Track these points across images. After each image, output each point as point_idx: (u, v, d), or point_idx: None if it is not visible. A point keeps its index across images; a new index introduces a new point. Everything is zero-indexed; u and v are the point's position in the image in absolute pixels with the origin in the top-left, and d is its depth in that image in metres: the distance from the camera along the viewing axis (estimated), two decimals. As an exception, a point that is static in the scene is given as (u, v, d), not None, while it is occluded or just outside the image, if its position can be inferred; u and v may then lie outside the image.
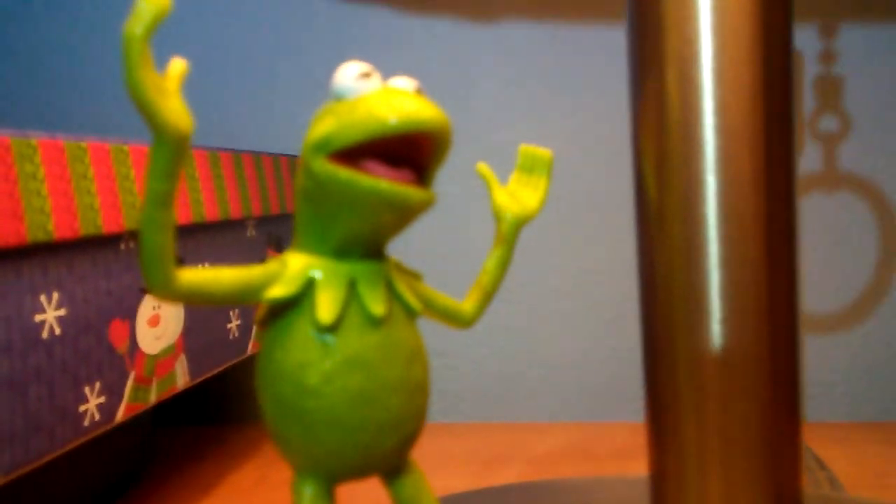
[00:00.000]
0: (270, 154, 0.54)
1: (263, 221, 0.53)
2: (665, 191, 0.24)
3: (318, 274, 0.20)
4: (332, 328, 0.19)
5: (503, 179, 0.25)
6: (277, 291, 0.19)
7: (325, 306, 0.19)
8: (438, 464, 0.53)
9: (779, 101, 0.23)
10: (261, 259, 0.53)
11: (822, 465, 0.50)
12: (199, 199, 0.44)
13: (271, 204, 0.54)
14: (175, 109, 0.17)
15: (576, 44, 0.62)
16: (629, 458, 0.54)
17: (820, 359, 0.60)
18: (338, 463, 0.19)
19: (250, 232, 0.52)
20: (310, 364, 0.19)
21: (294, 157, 0.58)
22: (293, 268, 0.20)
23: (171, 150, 0.17)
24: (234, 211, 0.48)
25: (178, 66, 0.17)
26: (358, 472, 0.20)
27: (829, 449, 0.54)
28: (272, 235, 0.55)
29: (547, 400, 0.64)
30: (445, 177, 0.59)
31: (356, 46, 0.64)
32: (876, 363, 0.59)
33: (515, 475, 0.51)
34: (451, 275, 0.63)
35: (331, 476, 0.20)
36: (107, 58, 0.68)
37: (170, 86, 0.17)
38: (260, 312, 0.20)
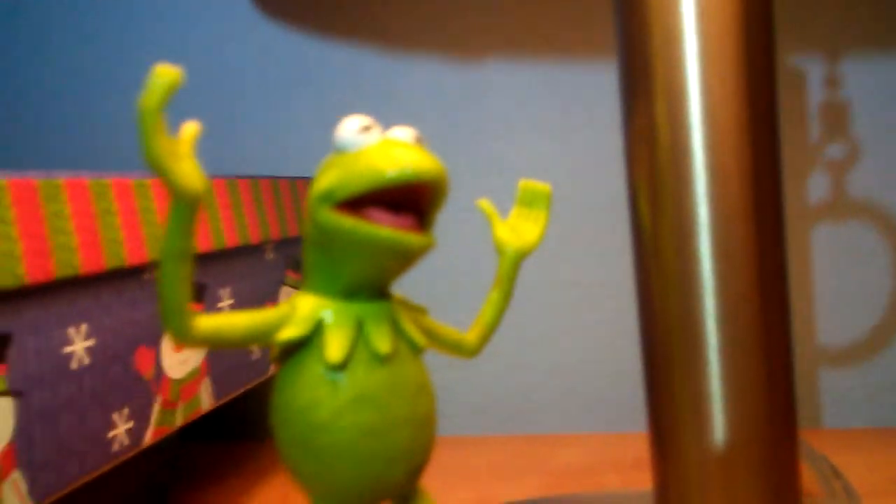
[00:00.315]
0: (287, 178, 0.56)
1: (282, 244, 0.55)
2: (658, 224, 0.25)
3: (327, 315, 0.21)
4: (342, 367, 0.20)
5: (510, 196, 0.27)
6: (289, 333, 0.21)
7: (335, 346, 0.20)
8: (457, 478, 0.54)
9: (766, 138, 0.24)
10: (280, 280, 0.55)
11: (837, 474, 0.50)
12: (218, 228, 0.46)
13: (289, 226, 0.55)
14: (188, 172, 0.18)
15: (566, 83, 0.63)
16: (650, 469, 0.54)
17: (837, 367, 0.60)
18: (350, 494, 0.21)
19: (269, 255, 0.53)
20: (321, 402, 0.20)
21: (309, 179, 0.59)
22: (303, 309, 0.21)
23: (186, 210, 0.18)
24: (253, 236, 0.50)
25: (190, 129, 0.19)
26: (369, 501, 0.21)
27: (844, 455, 0.54)
28: (290, 257, 0.56)
29: (566, 411, 0.65)
30: (459, 191, 0.60)
31: (367, 64, 0.66)
32: (892, 370, 0.60)
33: (535, 487, 0.52)
34: (462, 287, 0.64)
35: (344, 505, 0.21)
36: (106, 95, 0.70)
37: (182, 149, 0.18)
38: (273, 352, 0.22)
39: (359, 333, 0.21)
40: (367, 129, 0.20)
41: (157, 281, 0.18)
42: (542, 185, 0.27)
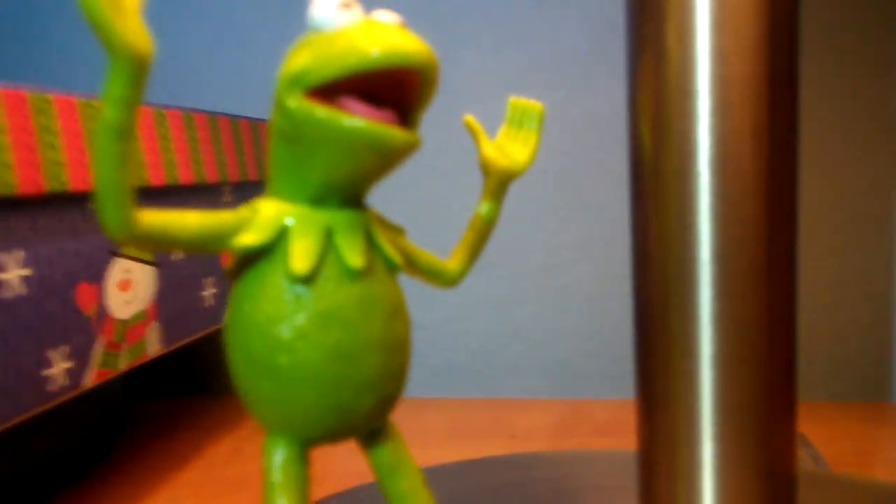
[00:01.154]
0: (248, 118, 0.53)
1: (240, 187, 0.52)
2: (661, 145, 0.22)
3: (292, 221, 0.18)
4: (307, 280, 0.18)
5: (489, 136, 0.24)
6: (248, 239, 0.18)
7: (300, 256, 0.18)
8: (417, 439, 0.52)
9: (783, 52, 0.21)
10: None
11: (806, 443, 0.49)
12: (172, 161, 0.43)
13: (248, 169, 0.52)
14: (133, 29, 0.15)
15: (562, 12, 0.60)
16: (609, 435, 0.53)
17: (801, 338, 0.59)
18: (312, 423, 0.18)
19: (226, 198, 0.50)
20: (282, 318, 0.18)
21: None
22: (265, 214, 0.18)
23: (128, 74, 0.15)
24: (210, 174, 0.47)
25: (138, -17, 0.16)
26: (333, 433, 0.19)
27: (809, 428, 0.53)
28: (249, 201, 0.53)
29: (527, 376, 0.63)
30: (427, 146, 0.57)
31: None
32: (854, 343, 0.59)
33: (496, 450, 0.50)
34: (436, 241, 0.62)
35: (304, 438, 0.18)
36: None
37: (127, 3, 0.15)
38: (229, 262, 0.19)
39: (328, 244, 0.18)
40: (346, 5, 0.18)
41: (93, 160, 0.15)
42: (533, 103, 0.24)
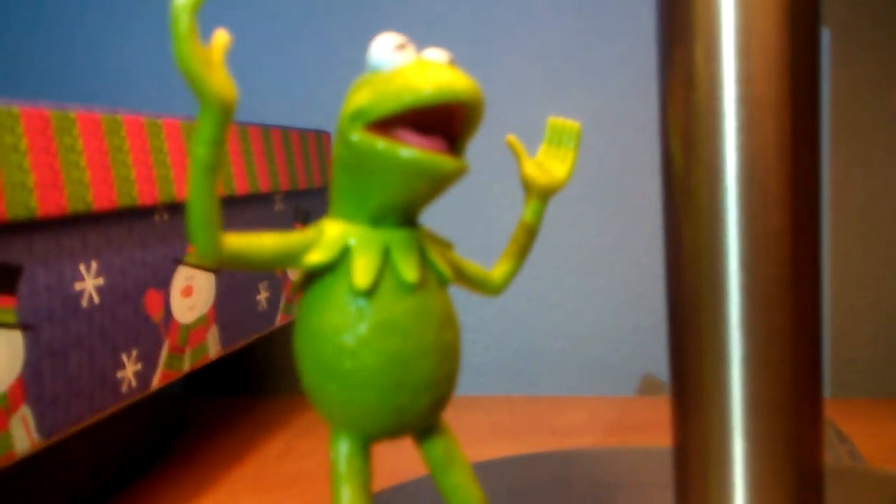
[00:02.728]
0: (298, 129, 0.55)
1: (291, 195, 0.54)
2: (691, 161, 0.24)
3: (353, 241, 0.20)
4: (368, 293, 0.20)
5: (529, 154, 0.26)
6: (315, 257, 0.20)
7: (361, 272, 0.20)
8: (462, 436, 0.54)
9: (805, 73, 0.23)
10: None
11: (843, 438, 0.50)
12: (228, 173, 0.45)
13: (299, 178, 0.54)
14: (220, 80, 0.17)
15: (599, 20, 0.62)
16: (650, 432, 0.54)
17: (843, 336, 0.60)
18: (373, 422, 0.20)
19: (278, 206, 0.53)
20: (346, 327, 0.20)
21: (320, 132, 0.59)
22: (330, 235, 0.20)
23: (216, 119, 0.17)
24: (263, 184, 0.49)
25: (221, 38, 0.18)
26: (392, 431, 0.21)
27: (849, 424, 0.54)
28: (300, 209, 0.55)
29: (569, 374, 0.65)
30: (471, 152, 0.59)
31: (378, 23, 0.65)
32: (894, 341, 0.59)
33: (536, 447, 0.52)
34: (479, 245, 0.64)
35: (366, 434, 0.21)
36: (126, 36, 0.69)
37: (215, 57, 0.17)
38: (298, 277, 0.21)
39: (386, 260, 0.20)
40: (401, 47, 0.20)
41: (186, 194, 0.18)
42: (571, 123, 0.26)
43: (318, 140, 0.58)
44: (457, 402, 0.62)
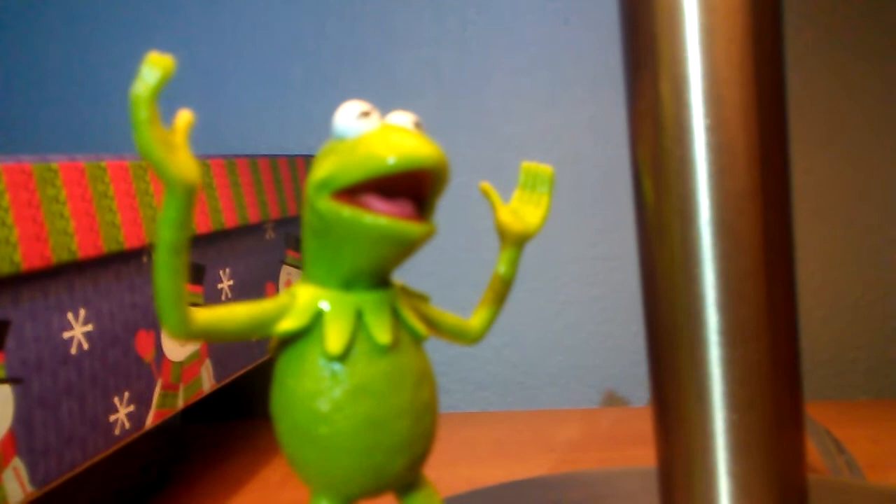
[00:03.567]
0: (286, 156, 0.55)
1: (281, 223, 0.54)
2: (662, 205, 0.24)
3: (326, 305, 0.20)
4: (341, 357, 0.20)
5: (513, 175, 0.26)
6: (288, 324, 0.20)
7: (334, 337, 0.20)
8: (461, 453, 0.54)
9: (772, 117, 0.23)
10: (281, 259, 0.55)
11: (840, 449, 0.50)
12: (217, 208, 0.45)
13: (288, 205, 0.55)
14: (183, 162, 0.17)
15: (589, 31, 0.62)
16: (650, 444, 0.54)
17: (839, 338, 0.60)
18: (350, 484, 0.20)
19: (269, 234, 0.53)
20: (320, 392, 0.20)
21: (309, 157, 0.59)
22: (302, 300, 0.21)
23: (181, 200, 0.17)
24: (252, 215, 0.49)
25: (184, 119, 0.18)
26: (370, 491, 0.21)
27: (849, 428, 0.54)
28: (290, 236, 0.56)
29: (568, 387, 0.65)
30: (460, 169, 0.59)
31: (367, 44, 0.65)
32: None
33: (536, 463, 0.52)
34: (465, 267, 0.64)
35: (344, 496, 0.21)
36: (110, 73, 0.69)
37: (177, 139, 0.18)
38: (272, 343, 0.21)
39: (358, 324, 0.20)
40: (365, 114, 0.20)
41: (154, 273, 0.18)
42: (544, 167, 0.26)
43: (306, 165, 0.58)
44: (456, 418, 0.63)
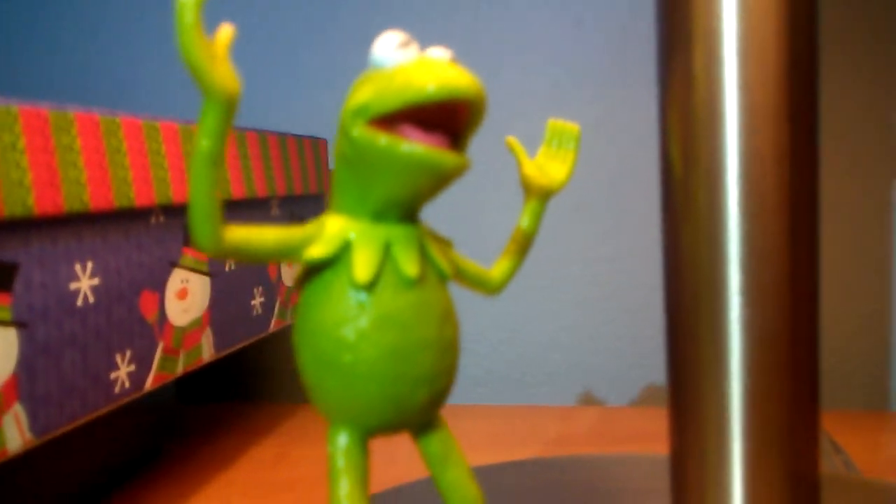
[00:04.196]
0: (295, 136, 0.55)
1: (287, 201, 0.54)
2: (690, 164, 0.24)
3: (354, 235, 0.20)
4: (368, 287, 0.20)
5: (529, 156, 0.26)
6: (316, 252, 0.20)
7: (362, 266, 0.20)
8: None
9: (804, 80, 0.23)
10: (284, 238, 0.54)
11: (837, 449, 0.50)
12: (225, 177, 0.45)
13: (295, 184, 0.54)
14: (224, 72, 0.17)
15: (599, 31, 0.62)
16: (647, 442, 0.54)
17: (839, 349, 0.60)
18: (372, 414, 0.20)
19: (274, 211, 0.53)
20: (347, 321, 0.20)
21: (317, 139, 0.59)
22: (331, 229, 0.20)
23: (220, 110, 0.17)
24: (260, 189, 0.49)
25: (225, 32, 0.18)
26: (391, 424, 0.21)
27: (845, 435, 0.54)
28: (295, 215, 0.55)
29: (566, 384, 0.65)
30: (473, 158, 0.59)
31: (380, 32, 0.65)
32: (893, 353, 0.60)
33: (532, 455, 0.52)
34: (479, 245, 0.64)
35: (365, 428, 0.21)
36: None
37: (219, 51, 0.18)
38: (299, 271, 0.21)
39: (386, 255, 0.20)
40: (404, 45, 0.20)
41: (189, 184, 0.18)
42: (570, 125, 0.26)
43: (314, 147, 0.58)
44: (454, 410, 0.63)
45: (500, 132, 0.63)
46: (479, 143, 0.62)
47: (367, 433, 0.21)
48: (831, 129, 0.59)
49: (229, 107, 0.17)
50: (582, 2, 0.62)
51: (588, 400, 0.64)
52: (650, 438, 0.55)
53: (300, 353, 0.21)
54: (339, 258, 0.20)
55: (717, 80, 0.24)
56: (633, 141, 0.62)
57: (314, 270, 0.21)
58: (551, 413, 0.62)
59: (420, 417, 0.21)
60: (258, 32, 0.67)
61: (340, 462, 0.20)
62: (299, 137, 0.56)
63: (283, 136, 0.53)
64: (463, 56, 0.63)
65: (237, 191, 0.46)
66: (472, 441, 0.55)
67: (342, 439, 0.20)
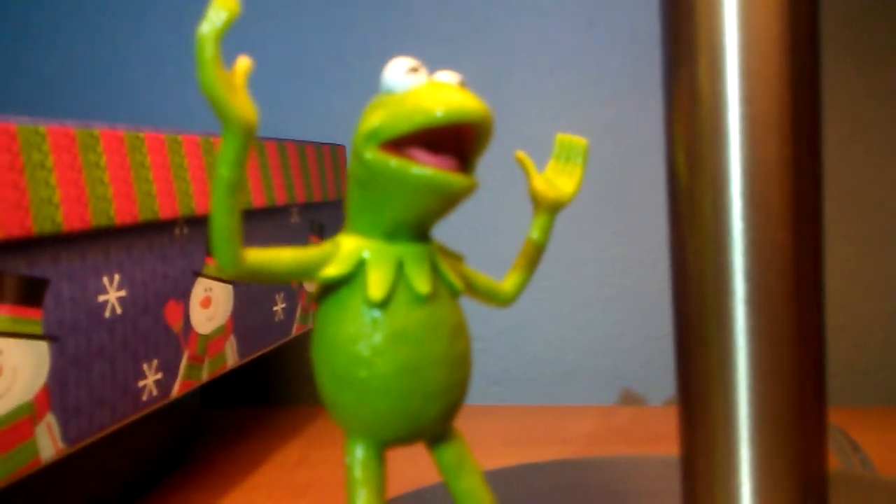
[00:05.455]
0: (314, 143, 0.56)
1: (307, 208, 0.55)
2: (696, 176, 0.25)
3: (368, 255, 0.21)
4: (382, 304, 0.21)
5: (538, 169, 0.27)
6: (332, 271, 0.21)
7: (376, 284, 0.21)
8: (473, 445, 0.55)
9: (806, 91, 0.24)
10: (304, 244, 0.55)
11: (855, 447, 0.50)
12: (246, 189, 0.46)
13: (314, 191, 0.55)
14: (242, 103, 0.18)
15: (611, 34, 0.63)
16: (662, 442, 0.55)
17: (858, 345, 0.60)
18: (387, 428, 0.21)
19: (294, 218, 0.54)
20: (361, 337, 0.21)
21: (335, 146, 0.60)
22: (346, 249, 0.21)
23: (239, 141, 0.18)
24: (279, 198, 0.50)
25: (243, 63, 0.19)
26: (405, 436, 0.22)
27: (863, 433, 0.54)
28: (315, 222, 0.57)
29: (580, 385, 0.65)
30: (482, 167, 0.60)
31: (393, 39, 0.66)
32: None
33: (550, 456, 0.52)
34: (489, 257, 0.65)
35: (380, 440, 0.21)
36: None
37: (237, 82, 0.18)
38: (315, 290, 0.22)
39: (399, 273, 0.21)
40: (414, 70, 0.21)
41: (211, 210, 0.19)
42: (579, 139, 0.27)
43: (333, 153, 0.59)
44: (469, 411, 0.63)
45: (510, 137, 0.64)
46: (491, 151, 0.63)
47: (382, 445, 0.22)
48: (859, 120, 0.59)
49: (248, 136, 0.18)
50: (593, 3, 0.63)
51: (602, 400, 0.65)
52: (665, 438, 0.56)
53: (317, 369, 0.22)
54: (354, 276, 0.21)
55: (720, 93, 0.24)
56: (645, 142, 0.62)
57: (330, 288, 0.22)
58: (567, 412, 0.63)
59: (434, 429, 0.22)
60: (275, 40, 0.68)
61: (358, 473, 0.21)
62: (318, 145, 0.57)
63: (301, 145, 0.54)
64: (472, 62, 0.64)
65: (258, 200, 0.48)
66: (488, 442, 0.56)
67: (359, 451, 0.21)
